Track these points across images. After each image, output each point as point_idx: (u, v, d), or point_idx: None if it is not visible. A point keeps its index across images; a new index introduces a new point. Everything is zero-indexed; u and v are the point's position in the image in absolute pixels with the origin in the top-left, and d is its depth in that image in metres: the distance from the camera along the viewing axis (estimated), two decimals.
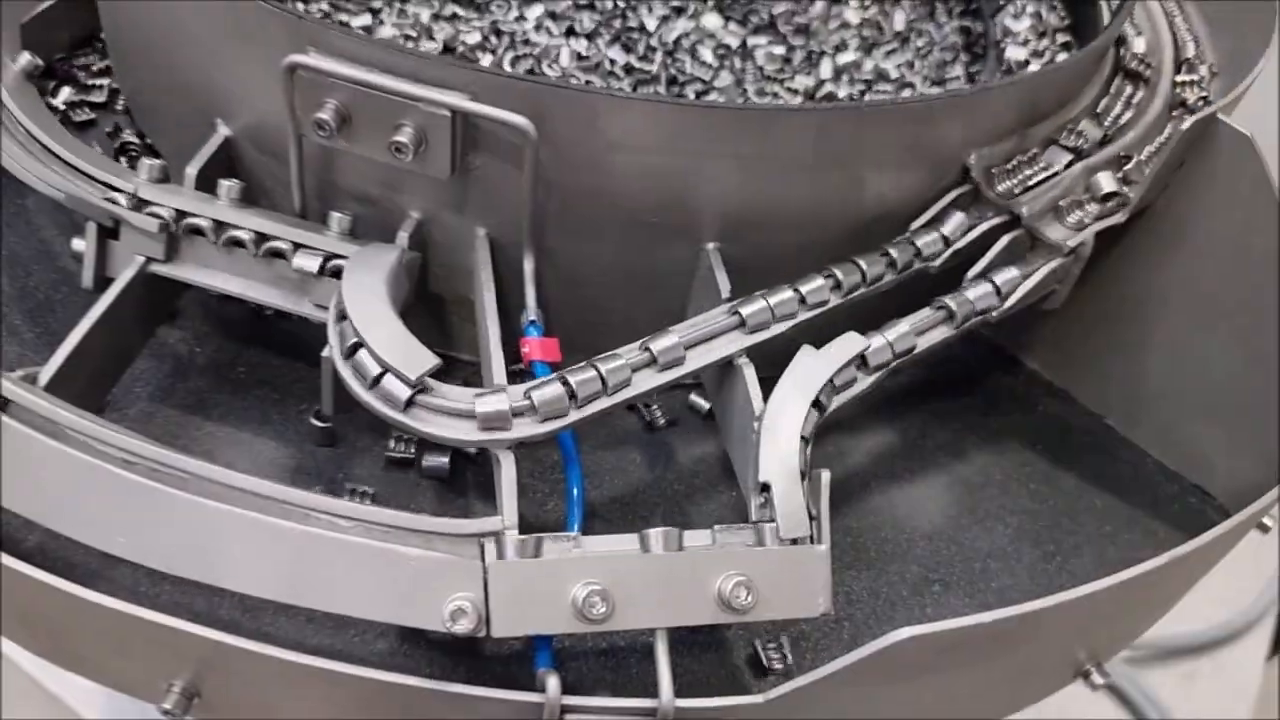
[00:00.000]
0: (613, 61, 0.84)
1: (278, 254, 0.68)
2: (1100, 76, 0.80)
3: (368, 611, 0.56)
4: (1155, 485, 0.78)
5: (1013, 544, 0.74)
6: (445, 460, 0.71)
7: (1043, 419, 0.81)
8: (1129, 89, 0.81)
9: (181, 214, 0.68)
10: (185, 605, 0.62)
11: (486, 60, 0.82)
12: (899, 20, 0.93)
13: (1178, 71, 0.83)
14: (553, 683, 0.55)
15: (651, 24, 0.88)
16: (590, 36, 0.85)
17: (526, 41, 0.84)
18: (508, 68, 0.82)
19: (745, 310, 0.65)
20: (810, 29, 0.90)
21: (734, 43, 0.88)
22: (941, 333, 0.69)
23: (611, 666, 0.64)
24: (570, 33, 0.85)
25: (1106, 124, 0.77)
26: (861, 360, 0.66)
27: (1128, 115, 0.79)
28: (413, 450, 0.71)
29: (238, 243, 0.68)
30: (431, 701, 0.55)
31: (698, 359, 0.64)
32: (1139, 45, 0.82)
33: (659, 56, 0.85)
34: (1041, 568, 0.73)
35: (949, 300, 0.69)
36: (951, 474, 0.77)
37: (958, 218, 0.71)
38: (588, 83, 0.82)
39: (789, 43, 0.89)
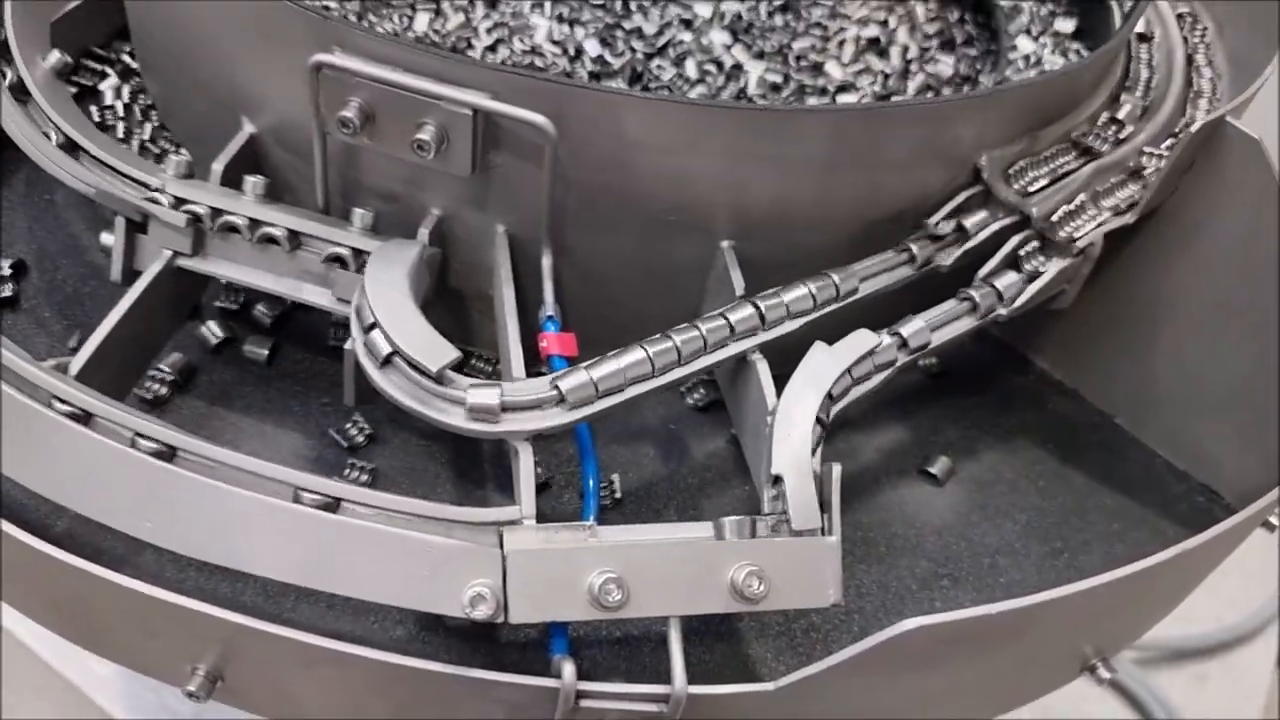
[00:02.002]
0: (580, 50, 0.85)
1: (302, 249, 0.69)
2: (1111, 79, 0.81)
3: (389, 597, 0.57)
4: (1163, 484, 0.79)
5: (1021, 540, 0.75)
6: (265, 351, 0.76)
7: (1052, 418, 0.82)
8: (1140, 91, 0.82)
9: (208, 209, 0.69)
10: (209, 590, 0.64)
11: (459, 19, 0.84)
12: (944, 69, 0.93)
13: (1189, 75, 0.84)
14: (568, 669, 0.56)
15: (650, 29, 0.89)
16: (573, 24, 0.87)
17: (516, 15, 0.86)
18: (483, 34, 0.84)
19: (759, 307, 0.66)
20: (823, 68, 0.91)
21: (729, 62, 0.89)
22: (953, 330, 0.70)
23: (626, 655, 0.65)
24: (560, 19, 0.87)
25: (1119, 126, 0.78)
26: (876, 357, 0.67)
27: (1139, 118, 0.80)
28: (238, 302, 0.76)
29: (263, 237, 0.69)
30: (450, 686, 0.57)
31: (712, 354, 0.65)
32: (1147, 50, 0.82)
33: (627, 55, 0.86)
34: (1049, 564, 0.74)
35: (960, 297, 0.70)
36: (961, 471, 0.78)
37: (969, 218, 0.72)
38: (552, 64, 0.84)
39: (790, 75, 0.90)
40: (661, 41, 0.89)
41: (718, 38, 0.89)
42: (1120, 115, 0.79)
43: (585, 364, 0.62)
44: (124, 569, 0.58)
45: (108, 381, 0.65)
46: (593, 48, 0.86)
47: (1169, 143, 0.78)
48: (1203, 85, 0.85)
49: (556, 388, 0.60)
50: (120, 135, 0.83)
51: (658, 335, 0.64)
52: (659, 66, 0.88)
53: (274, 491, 0.58)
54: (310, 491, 0.57)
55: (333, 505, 0.57)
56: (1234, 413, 0.76)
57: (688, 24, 0.90)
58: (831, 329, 0.67)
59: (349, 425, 0.73)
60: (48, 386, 0.60)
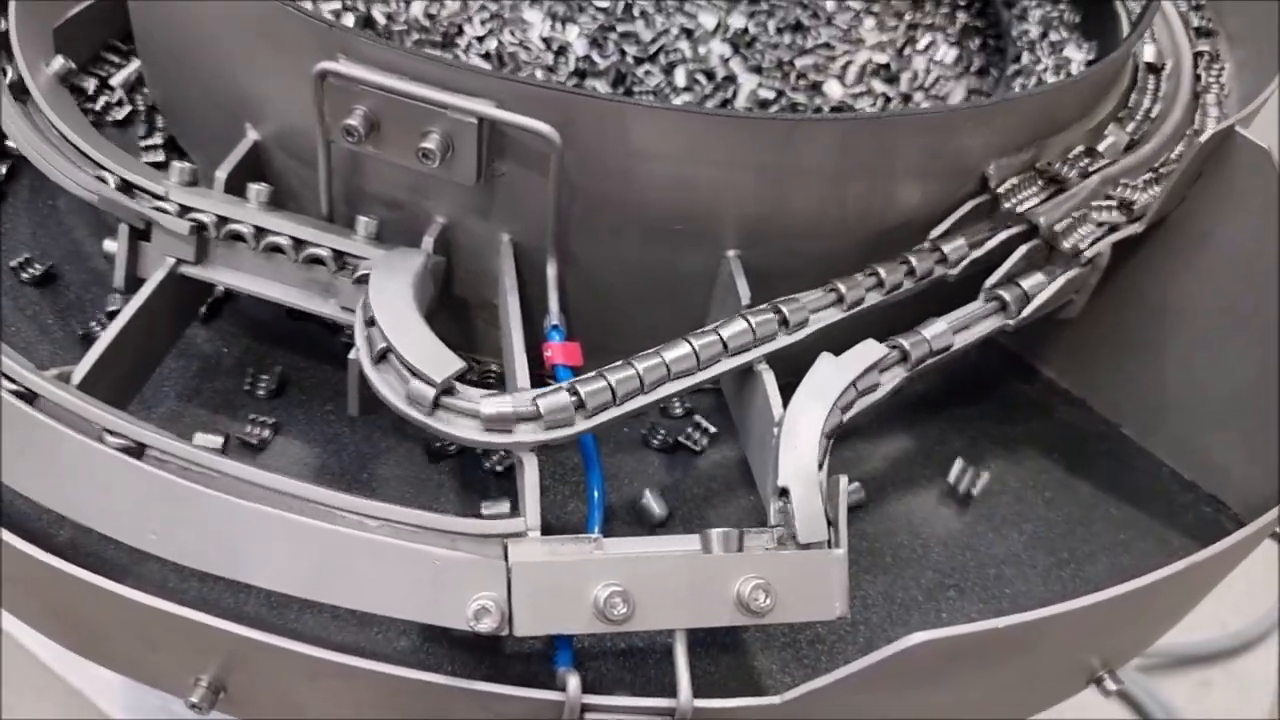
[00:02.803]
0: (566, 46, 0.85)
1: (306, 257, 0.69)
2: (1118, 89, 0.81)
3: (393, 609, 0.57)
4: (1170, 494, 0.79)
5: (1027, 551, 0.74)
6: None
7: (1059, 427, 0.82)
8: (1148, 101, 0.81)
9: (211, 217, 0.69)
10: (213, 601, 0.63)
11: (455, 5, 0.84)
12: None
13: (1196, 86, 0.84)
14: (573, 682, 0.56)
15: (646, 35, 0.88)
16: (565, 22, 0.87)
17: (513, 7, 0.86)
18: (476, 23, 0.84)
19: (764, 317, 0.66)
20: (821, 87, 0.90)
21: (721, 73, 0.88)
22: (960, 340, 0.70)
23: (630, 667, 0.65)
24: (555, 17, 0.87)
25: (1126, 135, 0.78)
26: (883, 368, 0.67)
27: (1147, 128, 0.80)
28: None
29: (267, 245, 0.69)
30: (453, 698, 0.56)
31: (718, 365, 0.65)
32: (1149, 53, 0.82)
33: (615, 57, 0.86)
34: (1055, 574, 0.73)
35: (964, 310, 0.70)
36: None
37: (976, 227, 0.72)
38: (537, 59, 0.84)
39: (784, 91, 0.89)
40: (654, 48, 0.89)
41: (717, 48, 0.89)
42: (1128, 127, 0.79)
43: (595, 373, 0.62)
44: (127, 579, 0.58)
45: (110, 390, 0.64)
46: (580, 47, 0.86)
47: (1147, 176, 0.77)
48: (1207, 122, 0.85)
49: (575, 393, 0.60)
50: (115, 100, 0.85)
51: (659, 347, 0.63)
52: (647, 72, 0.87)
53: (278, 503, 0.57)
54: (314, 503, 0.57)
55: (337, 517, 0.57)
56: (1241, 422, 0.76)
57: (689, 33, 0.89)
58: (838, 338, 0.67)
59: (263, 376, 0.74)
60: (50, 395, 0.60)
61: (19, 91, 0.79)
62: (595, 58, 0.86)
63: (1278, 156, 0.70)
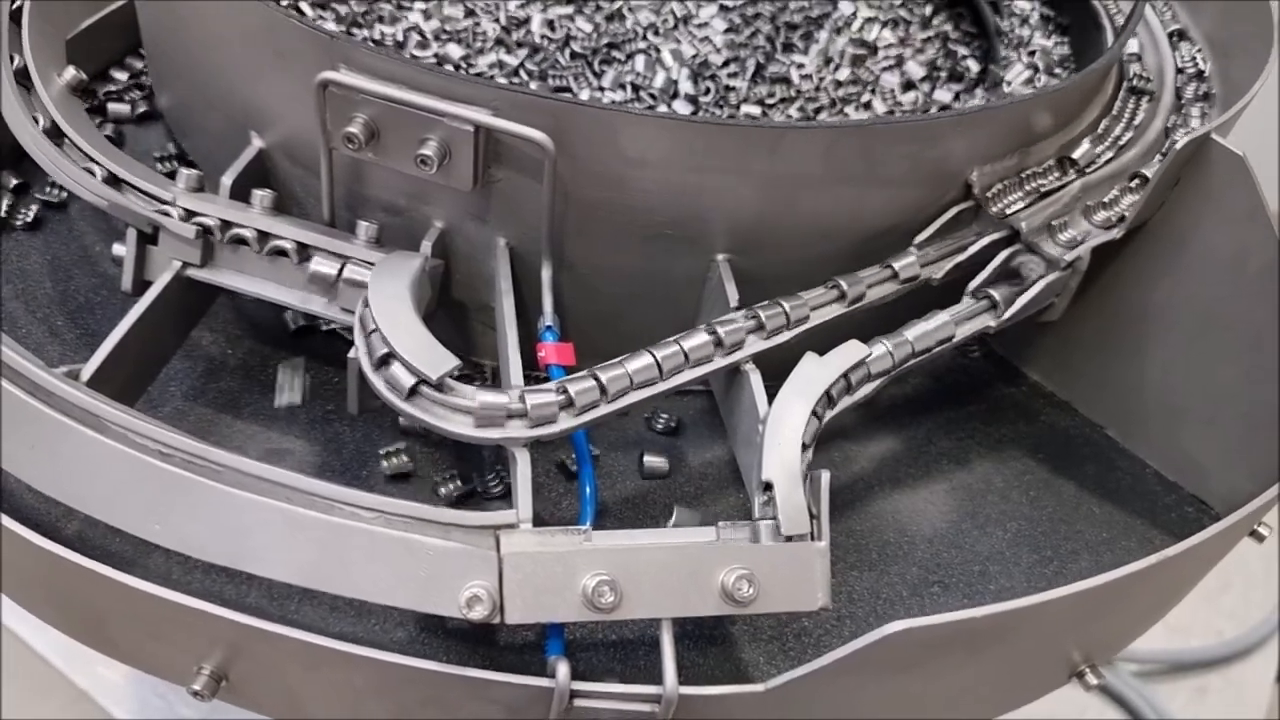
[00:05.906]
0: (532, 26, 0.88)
1: (308, 260, 0.71)
2: (1102, 96, 0.82)
3: (388, 598, 0.59)
4: (1153, 495, 0.80)
5: (1011, 548, 0.76)
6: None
7: (1044, 428, 0.83)
8: (1130, 109, 0.83)
9: (217, 221, 0.71)
10: (215, 591, 0.65)
11: None
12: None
13: (1178, 95, 0.85)
14: (563, 669, 0.57)
15: (586, 27, 0.90)
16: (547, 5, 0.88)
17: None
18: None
19: (752, 319, 0.68)
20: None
21: (656, 90, 0.89)
22: (940, 342, 0.72)
23: (620, 657, 0.66)
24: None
25: (1107, 143, 0.80)
26: (866, 368, 0.69)
27: (1128, 135, 0.81)
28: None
29: (270, 249, 0.71)
30: (447, 685, 0.58)
31: (706, 365, 0.67)
32: (1138, 68, 0.84)
33: (551, 53, 0.87)
34: (1039, 572, 0.75)
35: (946, 312, 0.72)
36: (953, 480, 0.79)
37: (959, 232, 0.74)
38: (485, 7, 0.86)
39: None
40: (598, 56, 0.90)
41: (675, 72, 0.89)
42: (1112, 132, 0.80)
43: (587, 372, 0.63)
44: (132, 570, 0.59)
45: (118, 388, 0.66)
46: (538, 26, 0.87)
47: (1127, 183, 0.79)
48: (1183, 129, 0.86)
49: (565, 391, 0.62)
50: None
51: (650, 347, 0.65)
52: (578, 66, 0.88)
53: (279, 495, 0.59)
54: (313, 495, 0.59)
55: (335, 509, 0.59)
56: (1224, 424, 0.77)
57: (656, 50, 0.90)
58: (824, 341, 0.69)
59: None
60: (60, 392, 0.62)
61: (32, 101, 0.81)
62: (537, 39, 0.87)
63: (1276, 164, 0.71)
